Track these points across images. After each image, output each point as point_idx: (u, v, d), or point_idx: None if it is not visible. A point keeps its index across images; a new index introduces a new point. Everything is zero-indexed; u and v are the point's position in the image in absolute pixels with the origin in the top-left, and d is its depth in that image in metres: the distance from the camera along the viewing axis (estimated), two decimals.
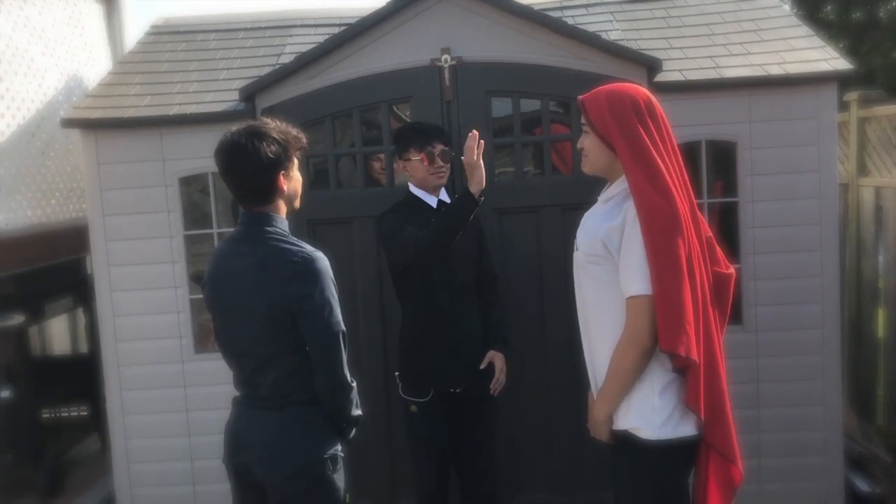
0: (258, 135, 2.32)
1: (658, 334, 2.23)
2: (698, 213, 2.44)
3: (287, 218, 2.45)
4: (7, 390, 4.09)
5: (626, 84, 2.51)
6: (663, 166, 2.30)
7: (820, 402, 3.63)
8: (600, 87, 2.44)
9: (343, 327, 2.36)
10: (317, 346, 2.33)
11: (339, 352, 2.34)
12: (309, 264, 2.30)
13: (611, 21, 4.13)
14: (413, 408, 3.21)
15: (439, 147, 3.15)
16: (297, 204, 2.48)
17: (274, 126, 2.37)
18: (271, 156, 2.31)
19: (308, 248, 2.35)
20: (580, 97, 2.45)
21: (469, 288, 3.22)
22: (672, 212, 2.25)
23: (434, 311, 3.16)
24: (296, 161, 2.43)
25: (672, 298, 2.21)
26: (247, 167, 2.32)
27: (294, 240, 2.37)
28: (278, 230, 2.37)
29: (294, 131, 2.41)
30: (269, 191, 2.36)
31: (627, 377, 2.32)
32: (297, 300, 2.28)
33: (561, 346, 3.60)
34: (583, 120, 2.45)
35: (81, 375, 4.59)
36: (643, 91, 2.43)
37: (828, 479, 3.64)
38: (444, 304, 3.15)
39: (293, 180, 2.42)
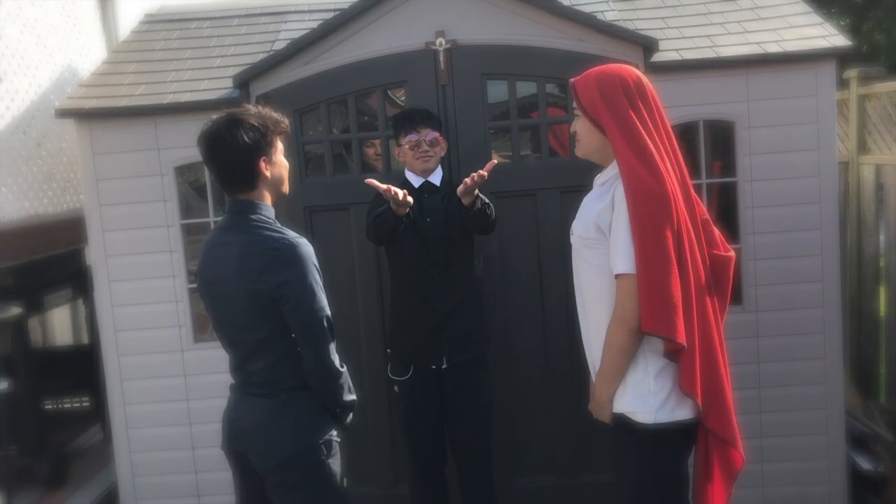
0: (235, 122, 2.31)
1: (640, 315, 2.22)
2: (693, 194, 2.41)
3: (275, 204, 2.44)
4: (6, 382, 4.09)
5: (616, 65, 2.47)
6: (654, 147, 2.28)
7: (821, 382, 3.61)
8: (590, 70, 2.41)
9: (328, 312, 2.34)
10: (301, 333, 2.33)
11: (325, 337, 2.33)
12: (290, 250, 2.29)
13: (607, 1, 4.09)
14: (396, 388, 3.30)
15: (425, 132, 3.18)
16: (284, 189, 2.46)
17: (253, 112, 2.36)
18: (249, 142, 2.30)
19: (291, 234, 2.34)
20: (571, 80, 2.43)
21: (447, 266, 3.18)
22: (661, 192, 2.22)
23: (408, 286, 3.23)
24: (279, 146, 2.41)
25: (656, 279, 2.19)
26: (226, 155, 2.32)
27: (278, 226, 2.36)
28: (262, 217, 2.36)
29: (275, 115, 2.38)
30: (251, 177, 2.35)
31: (621, 357, 2.31)
32: (278, 286, 2.27)
33: (560, 329, 3.59)
34: (574, 104, 2.43)
35: (83, 366, 4.58)
36: (633, 71, 2.40)
37: (830, 459, 3.63)
38: (417, 281, 3.19)
39: (277, 165, 2.40)
